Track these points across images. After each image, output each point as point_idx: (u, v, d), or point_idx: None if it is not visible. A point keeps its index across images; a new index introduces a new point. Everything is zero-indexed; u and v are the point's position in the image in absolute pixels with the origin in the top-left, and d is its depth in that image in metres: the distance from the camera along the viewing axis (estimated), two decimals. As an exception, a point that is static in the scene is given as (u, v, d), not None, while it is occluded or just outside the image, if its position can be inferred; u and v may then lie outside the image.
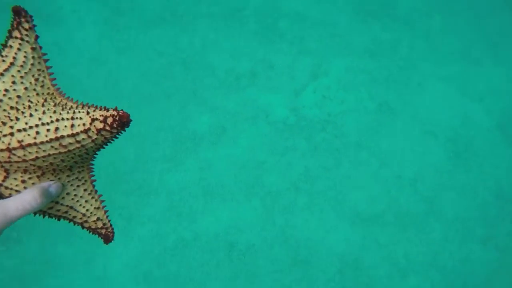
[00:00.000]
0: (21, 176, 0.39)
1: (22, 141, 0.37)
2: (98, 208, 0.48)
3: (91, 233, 0.48)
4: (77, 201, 0.46)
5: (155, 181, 2.12)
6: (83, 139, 0.39)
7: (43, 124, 0.37)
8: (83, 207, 0.46)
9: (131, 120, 0.39)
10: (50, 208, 0.44)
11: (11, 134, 0.37)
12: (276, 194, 2.15)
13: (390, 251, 2.09)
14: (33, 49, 0.39)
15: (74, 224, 0.47)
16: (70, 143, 0.38)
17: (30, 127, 0.37)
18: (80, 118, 0.38)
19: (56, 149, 0.38)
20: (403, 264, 2.08)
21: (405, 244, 2.10)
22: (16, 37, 0.38)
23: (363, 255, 2.08)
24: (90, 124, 0.38)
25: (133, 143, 2.16)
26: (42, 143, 0.37)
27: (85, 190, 0.46)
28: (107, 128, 0.38)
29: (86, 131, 0.38)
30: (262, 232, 2.09)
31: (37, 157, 0.38)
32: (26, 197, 0.39)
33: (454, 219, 2.16)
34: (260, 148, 2.22)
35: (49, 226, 2.09)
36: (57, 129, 0.37)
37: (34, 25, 0.39)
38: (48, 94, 0.41)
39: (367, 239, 2.10)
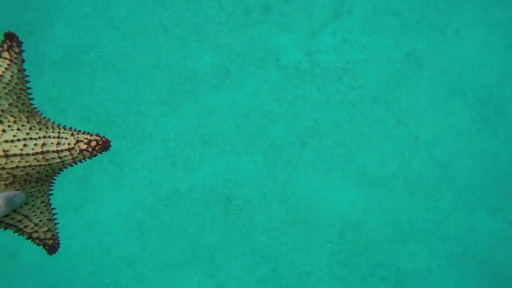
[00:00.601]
0: None
1: (7, 151, 0.42)
2: (50, 219, 0.50)
3: (35, 244, 0.50)
4: (33, 211, 0.48)
5: (149, 125, 1.95)
6: (65, 156, 0.44)
7: (30, 138, 0.43)
8: (37, 217, 0.48)
9: (110, 146, 0.46)
10: (5, 216, 0.46)
11: None
12: (280, 147, 1.98)
13: (394, 216, 1.99)
14: (19, 70, 0.45)
15: (20, 234, 0.48)
16: (53, 158, 0.44)
17: (18, 140, 0.42)
18: (66, 138, 0.44)
19: (38, 161, 0.43)
20: (406, 230, 2.00)
21: (411, 209, 2.00)
22: (5, 58, 0.44)
23: (366, 218, 1.98)
24: (75, 144, 0.44)
25: (126, 82, 1.93)
26: (27, 155, 0.42)
27: (42, 201, 0.49)
28: (90, 149, 0.45)
29: (70, 149, 0.44)
30: (261, 187, 1.97)
31: (17, 167, 0.42)
32: None
33: (467, 187, 2.02)
34: (266, 95, 1.99)
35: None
36: (44, 144, 0.43)
37: (23, 50, 0.45)
38: (27, 111, 0.46)
39: (371, 202, 1.99)
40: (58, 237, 0.51)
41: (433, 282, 2.01)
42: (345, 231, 1.97)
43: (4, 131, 0.42)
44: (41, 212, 0.49)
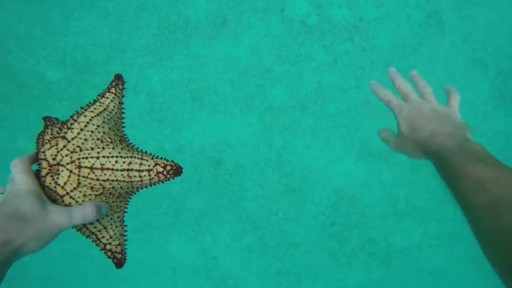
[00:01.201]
0: (85, 191, 0.52)
1: (103, 164, 0.51)
2: (122, 235, 0.57)
3: (107, 256, 0.56)
4: (111, 224, 0.56)
5: (134, 76, 1.74)
6: (144, 175, 0.52)
7: (121, 156, 0.52)
8: (113, 230, 0.56)
9: (182, 173, 0.53)
10: (90, 224, 0.55)
11: (97, 157, 0.52)
12: (278, 110, 1.80)
13: (392, 192, 1.88)
14: (119, 103, 0.59)
15: (97, 244, 0.56)
16: (134, 176, 0.52)
17: (112, 156, 0.52)
18: (147, 160, 0.53)
19: (123, 177, 0.52)
20: (402, 207, 1.90)
21: (410, 187, 1.88)
22: (112, 92, 0.58)
23: (363, 192, 1.87)
24: (153, 166, 0.52)
25: (108, 25, 1.68)
26: (117, 170, 0.51)
27: (118, 216, 0.57)
28: (164, 173, 0.52)
29: (148, 170, 0.52)
30: (254, 152, 1.82)
31: (107, 179, 0.52)
32: (87, 209, 0.51)
33: (473, 167, 1.89)
34: (267, 51, 1.78)
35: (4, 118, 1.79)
36: (130, 163, 0.52)
37: (124, 88, 0.60)
38: (120, 136, 0.57)
39: (371, 176, 1.86)
40: (125, 252, 0.57)
41: (422, 260, 1.95)
42: (340, 204, 1.86)
43: (103, 148, 0.53)
44: (116, 226, 0.57)
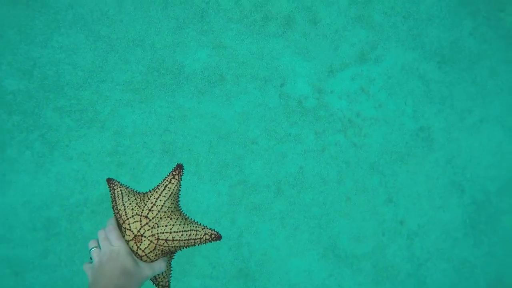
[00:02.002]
0: (157, 253, 0.75)
1: (174, 237, 0.74)
2: (169, 274, 0.82)
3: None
4: (163, 271, 0.79)
5: (106, 109, 1.54)
6: (196, 242, 0.76)
7: (184, 231, 0.76)
8: (165, 272, 0.80)
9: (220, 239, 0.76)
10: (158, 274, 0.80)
11: (170, 232, 0.75)
12: (251, 186, 1.65)
13: (350, 302, 1.72)
14: (178, 185, 0.79)
15: (154, 283, 0.80)
16: (191, 242, 0.76)
17: (179, 231, 0.75)
18: (199, 231, 0.77)
19: (184, 243, 0.76)
20: (357, 320, 1.73)
21: (369, 300, 1.74)
22: (176, 179, 0.78)
23: (319, 295, 1.70)
24: (203, 235, 0.76)
25: (95, 49, 1.51)
26: (182, 240, 0.75)
27: (169, 264, 0.81)
28: (210, 240, 0.75)
29: (200, 238, 0.76)
30: (215, 225, 1.63)
31: (175, 246, 0.75)
32: (162, 265, 0.74)
33: (435, 292, 1.79)
34: (256, 121, 1.66)
35: None
36: (190, 235, 0.76)
37: (182, 174, 0.79)
38: (177, 207, 0.79)
39: (331, 279, 1.71)
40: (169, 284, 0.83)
41: None
42: (292, 303, 1.67)
43: (173, 225, 0.76)
44: (166, 273, 0.81)
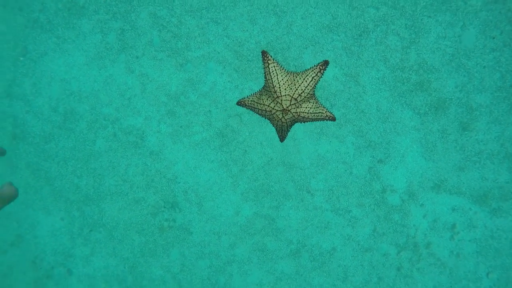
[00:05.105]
0: (293, 121, 1.21)
1: (309, 116, 1.21)
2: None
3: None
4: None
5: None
6: (320, 119, 1.25)
7: (316, 112, 1.20)
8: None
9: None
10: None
11: (307, 112, 1.20)
12: None
13: None
14: (320, 77, 1.21)
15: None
16: (317, 119, 1.23)
17: (313, 111, 1.19)
18: (323, 113, 1.22)
19: (313, 116, 1.20)
20: None
21: None
22: (320, 72, 1.19)
23: None
24: (325, 113, 1.24)
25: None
26: (312, 118, 1.21)
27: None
28: (327, 118, 1.25)
29: (323, 118, 1.24)
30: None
31: (305, 118, 1.21)
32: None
33: None
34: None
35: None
36: (319, 114, 1.21)
37: (325, 70, 1.26)
38: (313, 96, 1.20)
39: None
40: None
41: None
42: None
43: (311, 107, 1.17)
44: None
